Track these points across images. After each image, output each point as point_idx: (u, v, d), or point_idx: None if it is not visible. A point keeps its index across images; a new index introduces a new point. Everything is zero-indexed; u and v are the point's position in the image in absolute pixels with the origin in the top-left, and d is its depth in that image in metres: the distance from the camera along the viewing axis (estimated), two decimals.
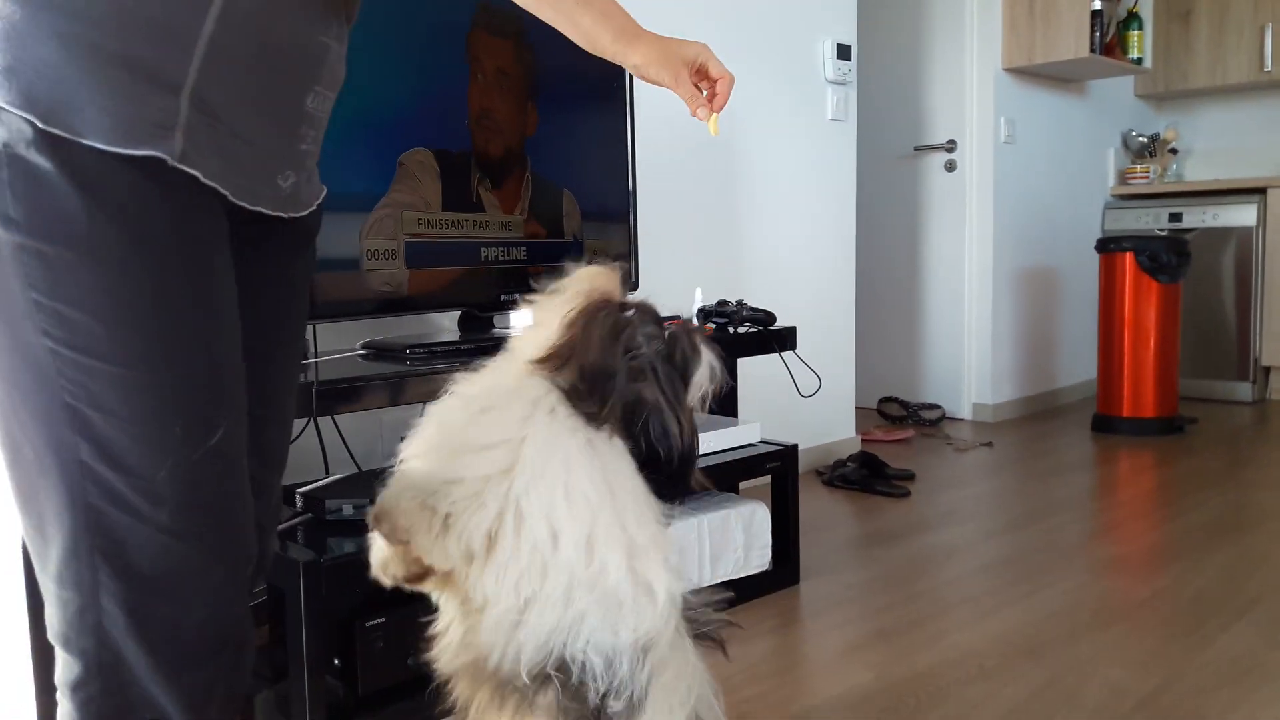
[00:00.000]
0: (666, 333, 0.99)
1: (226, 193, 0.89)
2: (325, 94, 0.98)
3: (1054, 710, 1.60)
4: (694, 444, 1.00)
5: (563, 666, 0.90)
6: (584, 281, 1.00)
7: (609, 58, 1.17)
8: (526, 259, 2.04)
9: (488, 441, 0.91)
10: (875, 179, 4.56)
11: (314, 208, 1.07)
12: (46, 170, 0.79)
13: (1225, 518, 2.70)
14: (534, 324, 1.01)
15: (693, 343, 1.01)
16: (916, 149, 4.43)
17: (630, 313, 0.98)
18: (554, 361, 0.95)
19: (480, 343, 1.88)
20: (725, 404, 2.60)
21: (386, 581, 1.03)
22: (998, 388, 4.30)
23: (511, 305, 2.04)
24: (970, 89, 4.26)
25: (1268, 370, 4.66)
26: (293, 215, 1.01)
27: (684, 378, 1.00)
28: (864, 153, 4.57)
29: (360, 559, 1.53)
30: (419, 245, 1.81)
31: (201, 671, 0.91)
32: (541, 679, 0.90)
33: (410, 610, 1.62)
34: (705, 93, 1.21)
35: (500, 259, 1.99)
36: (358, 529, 1.64)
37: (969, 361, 4.33)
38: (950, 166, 4.34)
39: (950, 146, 4.33)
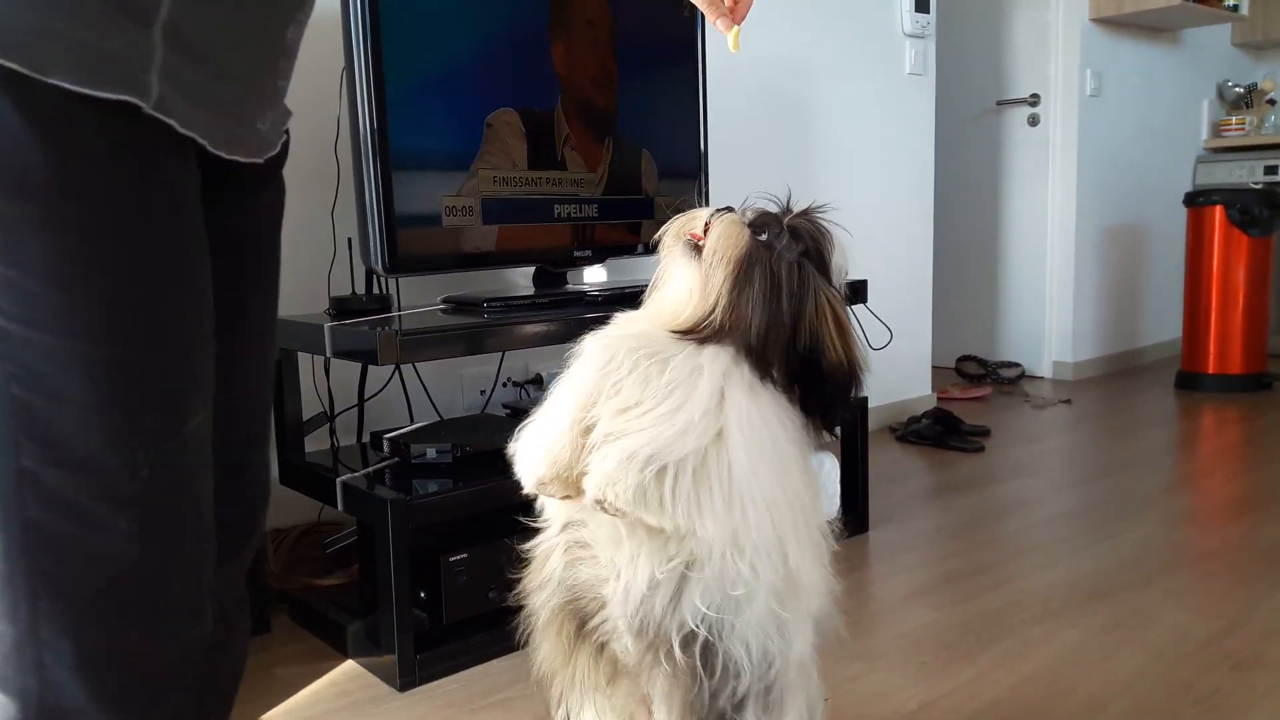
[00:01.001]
0: (789, 228, 1.01)
1: (205, 143, 0.79)
2: (304, 21, 0.88)
3: (1114, 649, 1.63)
4: (855, 364, 1.01)
5: (710, 642, 0.94)
6: (716, 243, 0.99)
7: None
8: (599, 215, 2.11)
9: (689, 419, 0.93)
10: (956, 134, 4.50)
11: (284, 138, 0.95)
12: (1, 111, 0.67)
13: None
14: (667, 281, 1.02)
15: (816, 227, 1.03)
16: (999, 103, 4.35)
17: (762, 237, 1.00)
18: (711, 334, 0.98)
19: (554, 297, 1.97)
20: None
21: (539, 492, 1.03)
22: (1079, 346, 4.23)
23: (585, 261, 2.11)
24: (1055, 40, 4.16)
25: None
26: (268, 156, 0.90)
27: (823, 267, 1.02)
28: (944, 108, 4.51)
29: (443, 498, 1.64)
30: (495, 203, 1.89)
31: (161, 706, 0.79)
32: (687, 642, 0.94)
33: (489, 547, 1.73)
34: (728, 5, 1.15)
35: (573, 215, 2.06)
36: (440, 471, 1.75)
37: (1050, 319, 4.26)
38: (1033, 121, 4.26)
39: (1034, 100, 4.24)
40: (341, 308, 1.86)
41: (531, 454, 0.99)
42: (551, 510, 1.06)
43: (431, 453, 1.77)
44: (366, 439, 2.03)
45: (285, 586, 1.92)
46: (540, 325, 1.76)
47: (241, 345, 0.94)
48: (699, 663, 0.95)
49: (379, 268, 1.72)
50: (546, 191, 1.99)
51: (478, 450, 1.79)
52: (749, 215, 1.02)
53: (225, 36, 0.79)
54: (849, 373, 1.00)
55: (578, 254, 2.08)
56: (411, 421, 2.09)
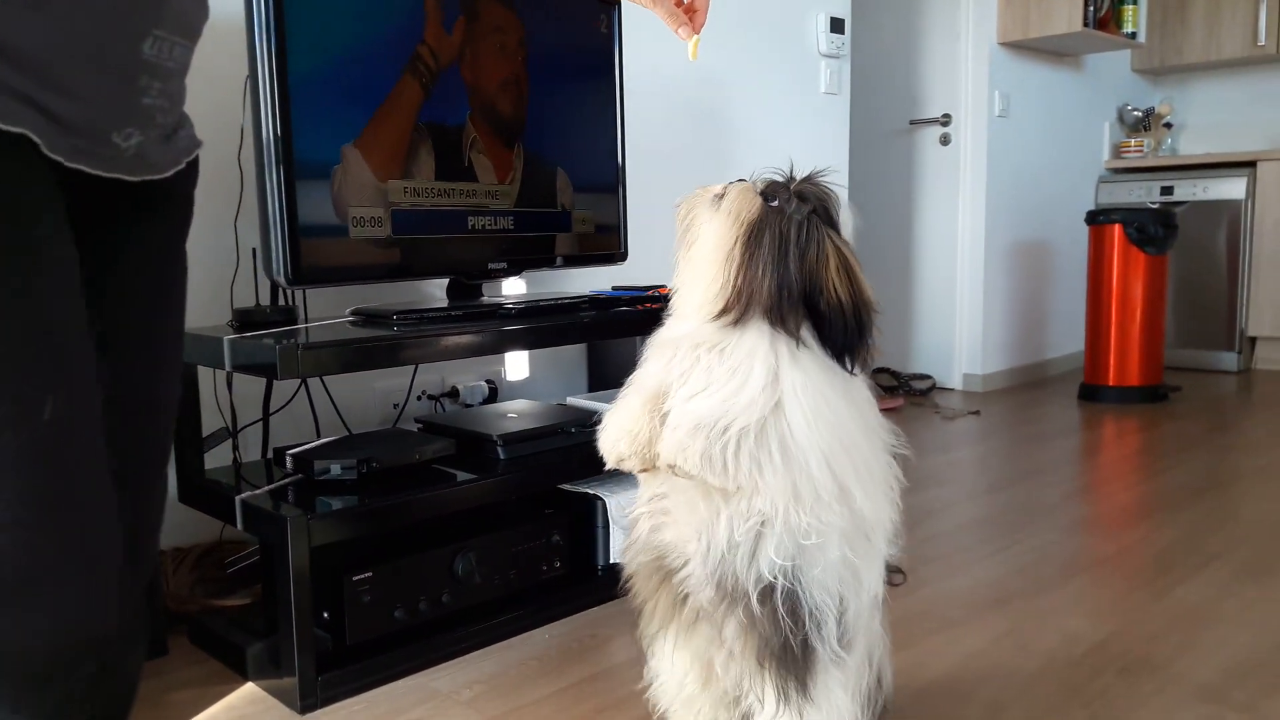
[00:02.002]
0: (796, 193, 1.11)
1: (40, 142, 0.79)
2: (172, 39, 0.87)
3: (1009, 656, 1.67)
4: (859, 302, 1.10)
5: (793, 590, 1.06)
6: (731, 205, 1.10)
7: None
8: (514, 228, 2.10)
9: (750, 396, 1.05)
10: (870, 153, 4.60)
11: (181, 166, 0.96)
12: None
13: (1198, 479, 2.76)
14: (695, 240, 1.13)
15: (821, 189, 1.13)
16: (912, 123, 4.47)
17: (773, 203, 1.10)
18: (738, 307, 1.08)
19: (466, 310, 1.95)
20: None
21: (620, 466, 1.15)
22: (988, 359, 4.35)
23: (500, 273, 2.10)
24: (965, 63, 4.29)
25: (1253, 340, 4.71)
26: (145, 178, 0.91)
27: (831, 223, 1.12)
28: (859, 127, 4.61)
29: (346, 516, 1.61)
30: (406, 214, 1.87)
31: (51, 691, 0.78)
32: (765, 594, 1.06)
33: (395, 565, 1.70)
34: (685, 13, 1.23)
35: (488, 228, 2.05)
36: (345, 488, 1.72)
37: (960, 333, 4.38)
38: (945, 140, 4.38)
39: (945, 120, 4.36)
40: (245, 320, 1.82)
41: (613, 433, 1.13)
42: (641, 484, 1.20)
43: (335, 469, 1.74)
44: (271, 455, 1.99)
45: (184, 608, 1.86)
46: (451, 338, 1.74)
47: (131, 353, 0.93)
48: (783, 611, 1.06)
49: (281, 279, 1.68)
50: (459, 203, 1.98)
51: (385, 466, 1.77)
52: (759, 185, 1.13)
53: (58, 50, 0.78)
54: (851, 310, 1.08)
55: (493, 266, 2.07)
56: (319, 437, 2.05)
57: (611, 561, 2.01)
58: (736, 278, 1.08)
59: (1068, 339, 4.84)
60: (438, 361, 2.13)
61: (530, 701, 1.57)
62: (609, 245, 2.34)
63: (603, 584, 2.00)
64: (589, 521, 2.02)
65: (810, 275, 1.09)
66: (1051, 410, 3.85)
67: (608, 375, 2.67)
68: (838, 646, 1.09)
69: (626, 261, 2.74)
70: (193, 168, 0.98)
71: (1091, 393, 4.01)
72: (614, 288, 2.49)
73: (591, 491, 2.03)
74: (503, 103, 2.04)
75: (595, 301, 2.14)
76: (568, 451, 1.96)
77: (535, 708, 1.55)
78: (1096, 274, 3.99)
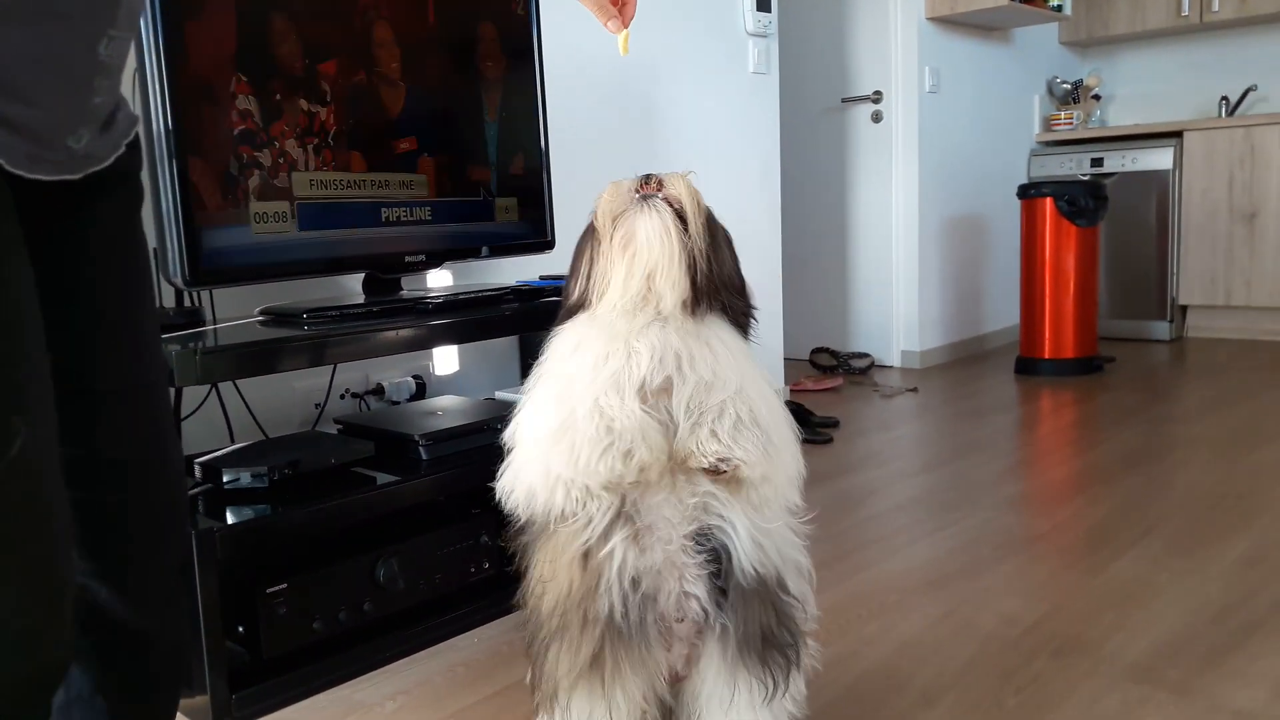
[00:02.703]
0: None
1: (1, 161, 0.78)
2: (121, 36, 0.87)
3: (946, 640, 1.66)
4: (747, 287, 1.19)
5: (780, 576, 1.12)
6: (681, 195, 1.11)
7: None
8: (432, 219, 2.03)
9: (757, 386, 1.09)
10: (803, 131, 4.57)
11: (121, 151, 0.95)
12: None
13: (1132, 451, 2.78)
14: (631, 237, 1.10)
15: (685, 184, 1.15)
16: (843, 100, 4.45)
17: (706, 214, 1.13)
18: (699, 303, 1.10)
19: (382, 305, 1.88)
20: None
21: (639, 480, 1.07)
22: (925, 335, 4.37)
23: (418, 266, 2.03)
24: (894, 39, 4.28)
25: (1184, 309, 4.79)
26: (89, 171, 0.90)
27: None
28: (791, 106, 4.58)
29: (256, 527, 1.54)
30: (313, 207, 1.79)
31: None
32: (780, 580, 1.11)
33: (313, 576, 1.63)
34: (614, 5, 1.21)
35: (403, 219, 1.97)
36: (257, 496, 1.64)
37: (897, 310, 4.39)
38: (877, 118, 4.37)
39: (876, 97, 4.35)
40: None
41: (619, 448, 1.03)
42: (586, 505, 1.06)
43: (245, 477, 1.66)
44: None
45: None
46: (363, 337, 1.67)
47: (112, 338, 0.95)
48: (794, 596, 1.11)
49: (179, 280, 1.60)
50: (371, 194, 1.90)
51: (299, 472, 1.69)
52: (673, 181, 1.13)
53: (24, 62, 0.77)
54: (745, 292, 1.17)
55: (410, 259, 2.00)
56: (233, 442, 1.96)
57: None
58: (707, 263, 1.10)
59: (1004, 313, 4.88)
60: (350, 361, 2.05)
61: (456, 710, 1.52)
62: (535, 234, 2.27)
63: None
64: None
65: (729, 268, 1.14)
66: (988, 385, 3.87)
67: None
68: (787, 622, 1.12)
69: (555, 250, 2.67)
70: (133, 148, 0.98)
71: (1028, 366, 4.04)
72: (541, 277, 2.42)
73: None
74: (414, 88, 1.96)
75: (519, 293, 2.08)
76: (495, 449, 1.90)
77: (461, 716, 1.50)
78: (1029, 248, 4.01)
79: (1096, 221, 3.94)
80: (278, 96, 1.73)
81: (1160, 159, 4.65)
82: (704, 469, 1.04)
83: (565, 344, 1.13)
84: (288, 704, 1.57)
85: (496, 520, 1.94)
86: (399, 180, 1.95)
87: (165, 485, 1.03)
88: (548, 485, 1.05)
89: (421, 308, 1.87)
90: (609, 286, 1.10)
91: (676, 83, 3.12)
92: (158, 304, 1.06)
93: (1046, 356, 3.98)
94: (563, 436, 1.04)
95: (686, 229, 1.09)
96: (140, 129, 1.02)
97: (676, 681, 1.15)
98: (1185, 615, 1.71)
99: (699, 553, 1.06)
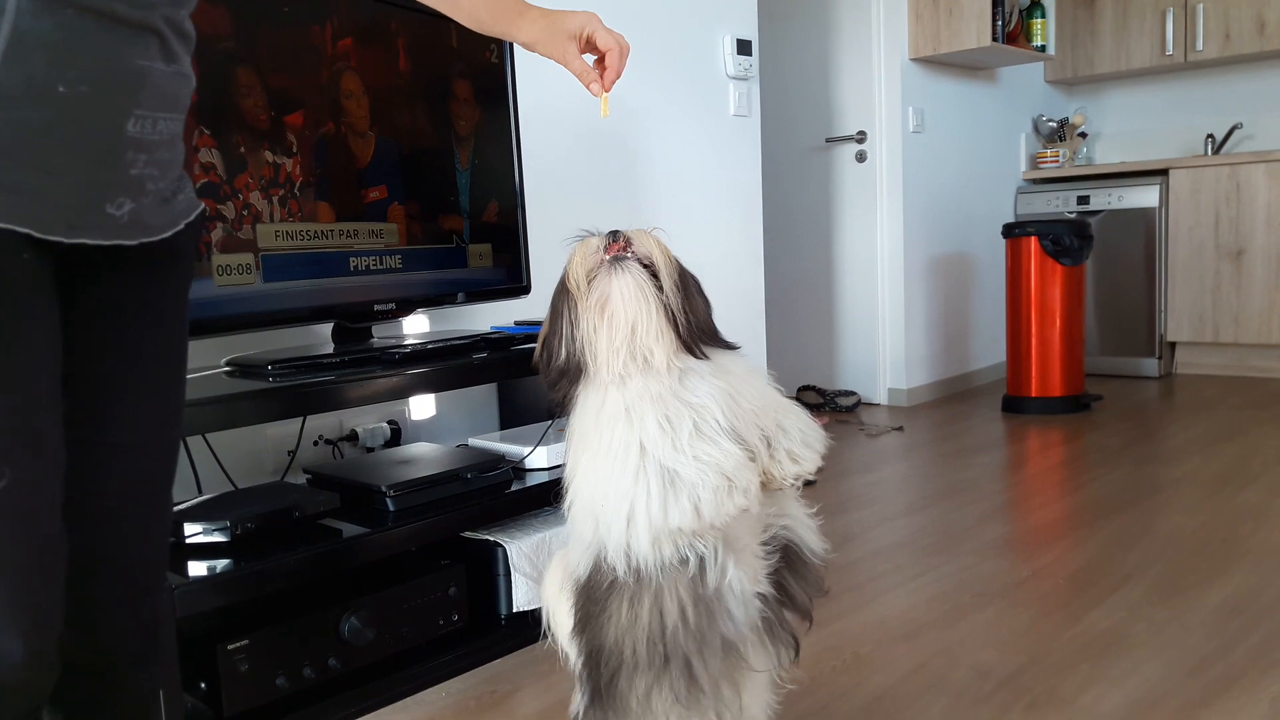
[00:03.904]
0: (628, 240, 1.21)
1: (28, 230, 0.86)
2: (155, 115, 0.95)
3: (918, 695, 1.62)
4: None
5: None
6: (652, 253, 1.19)
7: (496, 35, 1.23)
8: (403, 267, 2.02)
9: (797, 412, 1.21)
10: (788, 172, 4.59)
11: (180, 228, 1.04)
12: None
13: (1117, 493, 2.76)
14: (608, 298, 1.15)
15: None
16: (828, 140, 4.47)
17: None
18: (696, 341, 1.18)
19: (350, 355, 1.87)
20: None
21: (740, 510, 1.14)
22: (912, 373, 4.35)
23: (387, 315, 2.02)
24: (878, 79, 4.30)
25: (1173, 346, 4.78)
26: (144, 240, 0.98)
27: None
28: (776, 146, 4.60)
29: (214, 583, 1.51)
30: (278, 258, 1.78)
31: None
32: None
33: (275, 631, 1.61)
34: (597, 68, 1.25)
35: (373, 268, 1.97)
36: (218, 550, 1.62)
37: (883, 348, 4.38)
38: (861, 157, 4.39)
39: (860, 138, 4.37)
40: None
41: (726, 491, 1.10)
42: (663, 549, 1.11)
43: (206, 531, 1.64)
44: None
45: None
46: (330, 387, 1.66)
47: (121, 410, 1.01)
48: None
49: None
50: (340, 244, 1.90)
51: (262, 525, 1.67)
52: (641, 238, 1.21)
53: (37, 137, 0.85)
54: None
55: (379, 308, 1.99)
56: (200, 493, 1.94)
57: (515, 610, 1.93)
58: (684, 311, 1.17)
59: (991, 350, 4.87)
60: (316, 414, 2.04)
61: None
62: (510, 279, 2.27)
63: (505, 635, 1.91)
64: (489, 570, 1.94)
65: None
66: (974, 424, 3.85)
67: (519, 411, 2.59)
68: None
69: (531, 295, 2.67)
70: (192, 228, 1.07)
71: (1014, 404, 4.02)
72: (516, 322, 2.42)
73: (491, 538, 1.95)
74: (383, 138, 1.96)
75: (490, 341, 2.07)
76: (465, 499, 1.88)
77: None
78: (1015, 286, 4.01)
79: (1082, 260, 3.94)
80: (242, 149, 1.73)
81: (1147, 197, 4.67)
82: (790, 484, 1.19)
83: (592, 413, 1.16)
84: None
85: (466, 571, 1.92)
86: (368, 229, 1.95)
87: (154, 542, 1.08)
88: (638, 539, 1.09)
89: (389, 357, 1.86)
90: (598, 349, 1.14)
91: (656, 127, 3.14)
92: (186, 374, 1.12)
93: (1033, 395, 3.97)
94: (664, 497, 1.09)
95: (660, 284, 1.16)
96: (201, 213, 1.11)
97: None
98: (1162, 668, 1.68)
99: (769, 555, 1.19)
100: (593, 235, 1.19)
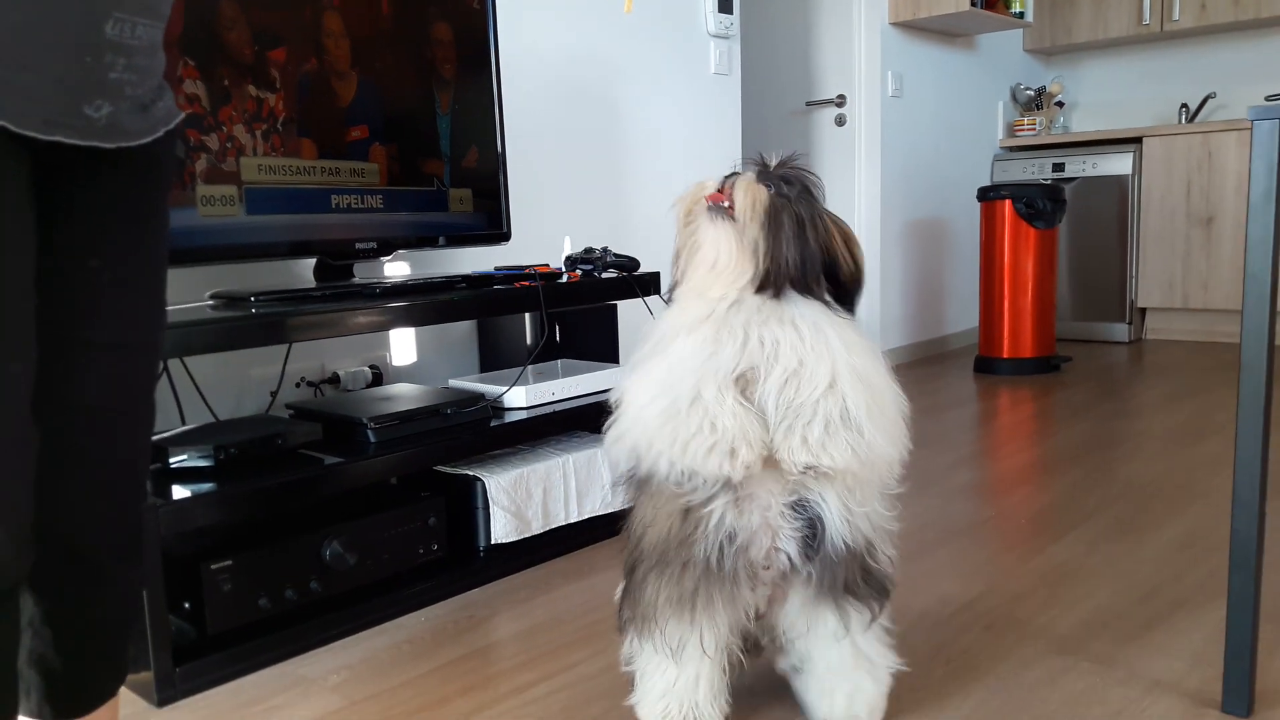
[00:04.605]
0: (783, 178, 1.26)
1: (4, 123, 0.88)
2: (135, 20, 0.96)
3: None
4: (859, 268, 1.29)
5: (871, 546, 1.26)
6: (742, 197, 1.22)
7: None
8: (384, 207, 2.05)
9: (849, 377, 1.17)
10: (769, 134, 4.62)
11: (159, 135, 1.06)
12: None
13: (1081, 444, 2.83)
14: (698, 246, 1.25)
15: (801, 170, 1.27)
16: (808, 104, 4.50)
17: (774, 191, 1.23)
18: (772, 283, 1.21)
19: (333, 290, 1.90)
20: (605, 348, 2.65)
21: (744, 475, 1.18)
22: (888, 335, 4.42)
23: (369, 254, 2.05)
24: (858, 43, 4.33)
25: (1143, 311, 4.87)
26: (121, 145, 1.00)
27: (817, 199, 1.28)
28: (758, 108, 4.63)
29: (199, 503, 1.55)
30: (261, 192, 1.81)
31: None
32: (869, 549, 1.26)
33: (259, 553, 1.65)
34: None
35: (354, 206, 1.99)
36: (202, 475, 1.66)
37: (859, 310, 4.43)
38: (840, 121, 4.42)
39: (840, 101, 4.40)
40: None
41: (723, 448, 1.14)
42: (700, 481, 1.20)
43: (191, 455, 1.68)
44: None
45: None
46: (313, 317, 1.69)
47: (102, 310, 1.04)
48: (868, 560, 1.24)
49: None
50: (322, 181, 1.92)
51: (246, 452, 1.71)
52: (754, 173, 1.25)
53: (19, 33, 0.87)
54: (858, 274, 1.28)
55: (361, 246, 2.02)
56: (183, 423, 1.98)
57: (494, 542, 1.98)
58: (766, 258, 1.20)
59: (965, 314, 4.94)
60: (299, 341, 2.07)
61: (398, 684, 1.54)
62: (490, 225, 2.30)
63: (484, 566, 1.97)
64: (468, 503, 1.99)
65: (825, 248, 1.25)
66: (947, 383, 3.93)
67: (499, 354, 2.63)
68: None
69: (510, 242, 2.70)
70: (171, 136, 1.09)
71: (986, 365, 4.10)
72: (496, 268, 2.45)
73: (470, 473, 2.00)
74: (365, 78, 1.99)
75: (469, 280, 2.10)
76: (444, 433, 1.92)
77: (401, 690, 1.52)
78: (989, 249, 4.07)
79: (1054, 224, 4.00)
80: (226, 82, 1.75)
81: (1120, 164, 4.73)
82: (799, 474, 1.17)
83: (664, 325, 1.27)
84: (232, 678, 1.58)
85: (446, 503, 1.96)
86: (350, 168, 1.98)
87: (136, 443, 1.11)
88: (650, 455, 1.19)
89: (369, 291, 1.90)
90: (688, 278, 1.27)
91: (637, 81, 3.16)
92: (166, 279, 1.15)
93: (1005, 356, 4.04)
94: (667, 422, 1.17)
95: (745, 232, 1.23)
96: (181, 121, 1.13)
97: (758, 618, 1.31)
98: (1114, 594, 1.75)
99: (795, 519, 1.21)
100: (709, 181, 1.29)
